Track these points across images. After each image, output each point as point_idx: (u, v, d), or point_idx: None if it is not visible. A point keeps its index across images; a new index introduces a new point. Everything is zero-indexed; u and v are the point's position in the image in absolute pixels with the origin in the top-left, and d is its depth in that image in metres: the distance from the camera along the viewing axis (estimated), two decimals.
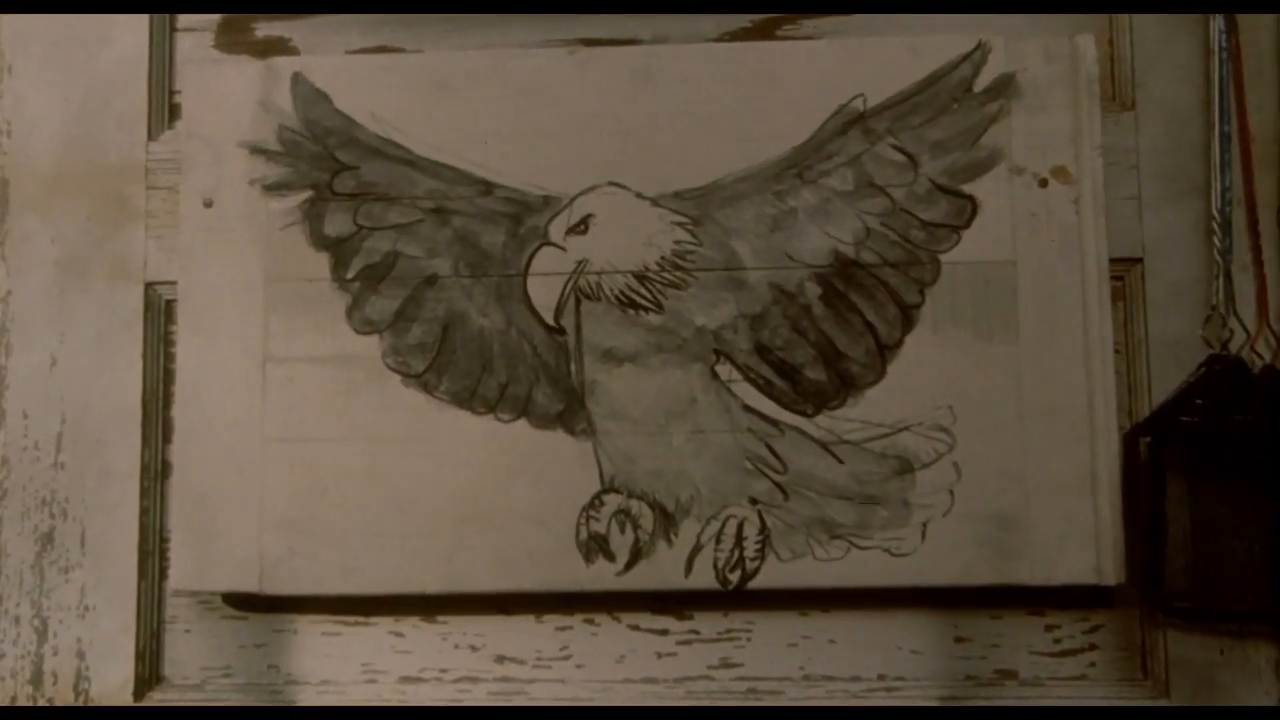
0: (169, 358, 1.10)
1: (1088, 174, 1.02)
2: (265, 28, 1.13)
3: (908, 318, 1.02)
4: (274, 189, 1.05)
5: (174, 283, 1.07)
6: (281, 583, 1.02)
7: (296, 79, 1.06)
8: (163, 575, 1.08)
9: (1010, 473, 1.00)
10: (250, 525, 1.02)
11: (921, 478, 1.01)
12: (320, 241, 1.05)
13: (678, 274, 1.02)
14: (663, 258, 1.02)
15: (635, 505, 1.01)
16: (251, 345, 1.04)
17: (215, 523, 1.02)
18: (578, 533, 1.01)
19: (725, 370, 1.02)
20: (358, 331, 1.04)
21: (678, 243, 1.03)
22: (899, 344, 1.02)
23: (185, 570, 1.03)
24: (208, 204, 1.05)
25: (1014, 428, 1.00)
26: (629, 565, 1.01)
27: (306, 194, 1.05)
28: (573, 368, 1.02)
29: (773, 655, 1.05)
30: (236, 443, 1.03)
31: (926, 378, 1.01)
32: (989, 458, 1.00)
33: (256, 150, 1.06)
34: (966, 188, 1.03)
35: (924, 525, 1.00)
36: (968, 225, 1.02)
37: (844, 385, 1.01)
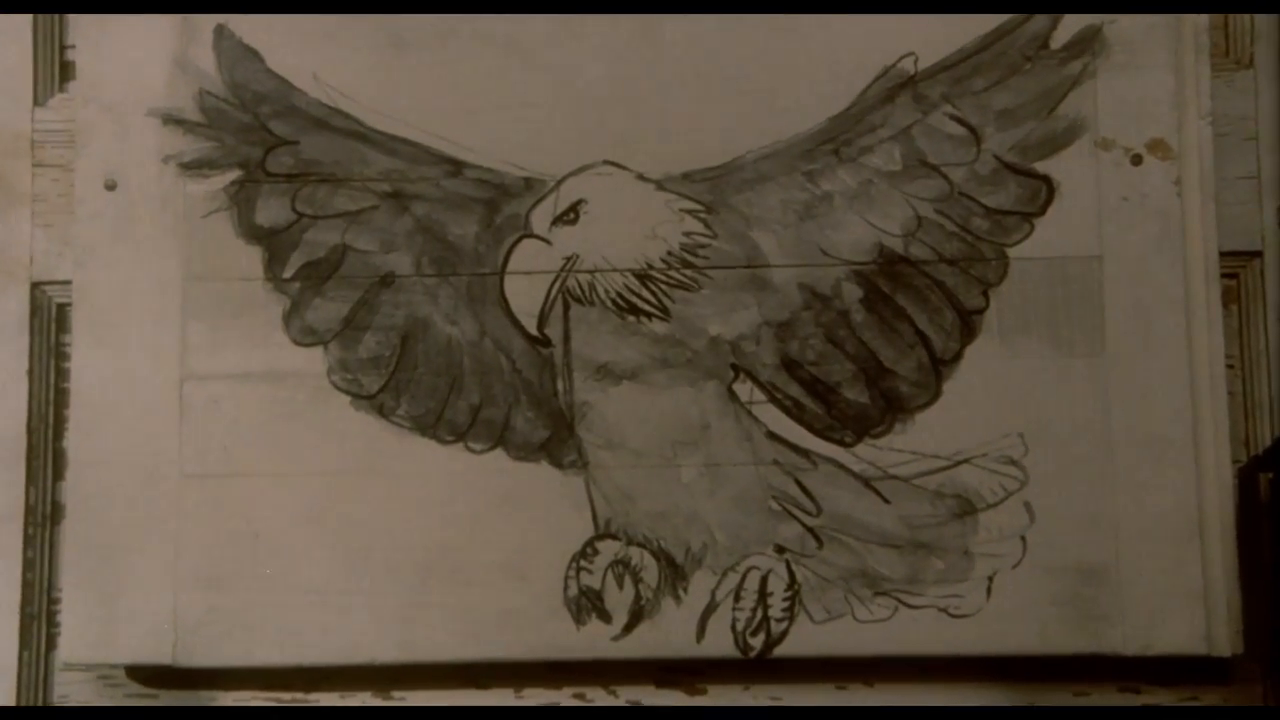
0: (61, 374, 1.06)
1: (1193, 148, 0.99)
2: None
3: (968, 326, 0.98)
4: (193, 168, 1.02)
5: (68, 283, 1.04)
6: (201, 652, 0.98)
7: (221, 32, 1.03)
8: (50, 644, 1.04)
9: (1096, 515, 0.96)
10: (163, 582, 0.98)
11: (986, 521, 0.97)
12: (251, 232, 1.01)
13: (687, 273, 0.99)
14: (669, 253, 0.99)
15: (636, 554, 0.98)
16: (166, 359, 1.00)
17: (119, 578, 0.98)
18: (566, 588, 0.97)
19: (745, 390, 0.99)
20: (297, 342, 1.00)
21: (687, 235, 0.99)
22: (957, 358, 0.98)
23: (80, 638, 0.99)
24: (110, 186, 1.02)
25: (1100, 460, 0.97)
26: (628, 627, 0.97)
27: (234, 174, 1.02)
28: (560, 386, 0.99)
29: None
30: (146, 479, 0.99)
31: (991, 399, 0.98)
32: (1069, 497, 0.97)
33: (171, 120, 1.02)
34: (1040, 166, 0.99)
35: (989, 580, 0.96)
36: (1042, 212, 0.99)
37: (890, 408, 0.98)
